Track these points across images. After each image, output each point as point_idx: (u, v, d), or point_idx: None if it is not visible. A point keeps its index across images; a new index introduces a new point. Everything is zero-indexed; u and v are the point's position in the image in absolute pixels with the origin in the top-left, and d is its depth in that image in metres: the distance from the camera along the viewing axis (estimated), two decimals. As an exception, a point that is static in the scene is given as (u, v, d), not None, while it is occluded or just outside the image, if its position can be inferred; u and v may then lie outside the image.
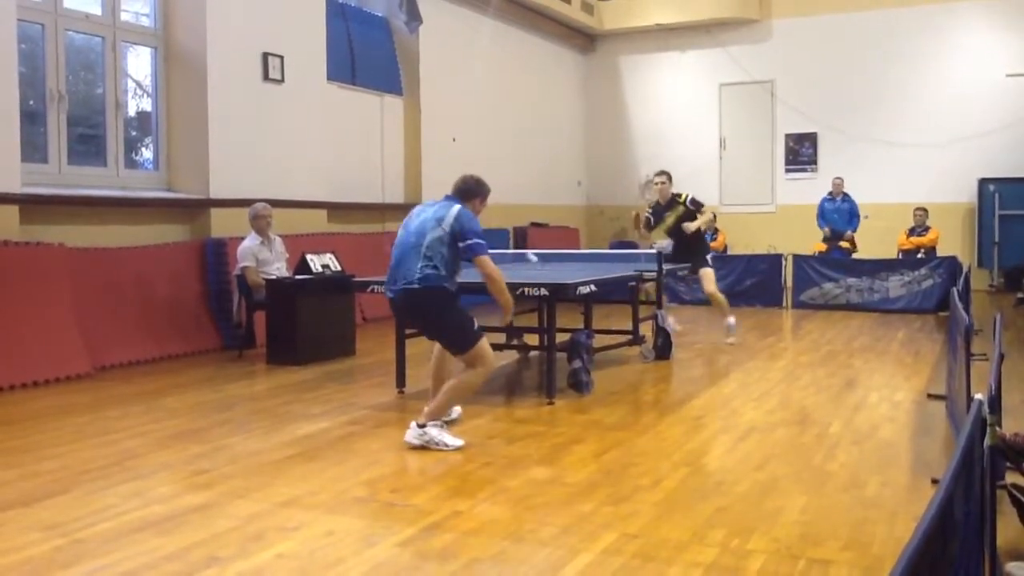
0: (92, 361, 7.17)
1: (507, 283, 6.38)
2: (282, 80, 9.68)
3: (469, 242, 5.02)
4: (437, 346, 5.41)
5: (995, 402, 3.44)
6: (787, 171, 15.67)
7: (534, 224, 14.55)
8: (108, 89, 8.45)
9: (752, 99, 15.82)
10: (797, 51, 15.37)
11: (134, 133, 9.15)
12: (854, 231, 13.04)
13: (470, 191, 5.33)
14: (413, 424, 4.91)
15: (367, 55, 11.86)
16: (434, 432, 4.85)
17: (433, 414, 4.92)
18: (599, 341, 7.26)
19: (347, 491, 4.11)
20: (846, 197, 13.17)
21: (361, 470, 4.48)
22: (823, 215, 13.26)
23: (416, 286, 4.94)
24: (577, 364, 6.32)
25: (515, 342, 7.57)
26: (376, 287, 6.48)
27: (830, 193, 13.33)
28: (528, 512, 3.80)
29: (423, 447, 4.82)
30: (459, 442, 4.87)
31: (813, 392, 6.45)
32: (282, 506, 3.88)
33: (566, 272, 7.16)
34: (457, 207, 5.15)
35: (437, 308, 5.00)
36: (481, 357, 4.99)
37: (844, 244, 12.95)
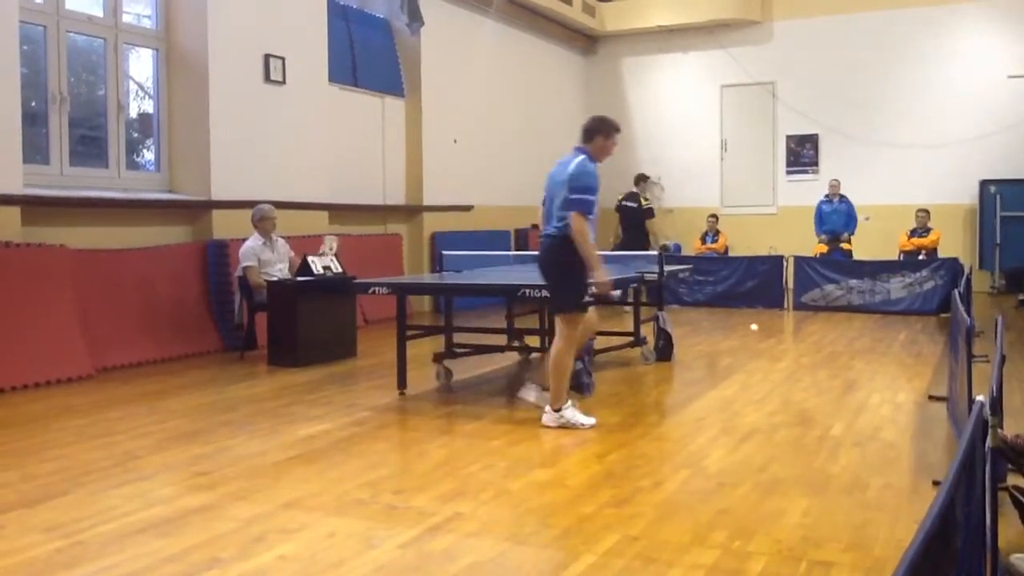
0: (93, 362, 7.18)
1: (506, 285, 6.44)
2: (283, 81, 9.69)
3: (571, 197, 5.12)
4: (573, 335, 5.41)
5: (996, 404, 3.44)
6: (788, 173, 15.67)
7: (535, 226, 14.52)
8: (110, 91, 8.46)
9: (753, 100, 15.82)
10: (798, 52, 15.37)
11: (135, 134, 9.15)
12: (852, 233, 13.01)
13: (590, 130, 5.37)
14: (548, 408, 5.30)
15: (368, 57, 11.87)
16: (569, 414, 5.25)
17: (555, 398, 5.27)
18: (600, 343, 7.26)
19: (348, 493, 4.11)
20: (843, 199, 13.15)
21: (363, 472, 4.48)
22: (821, 218, 13.22)
23: (546, 238, 5.30)
24: (578, 366, 6.30)
25: (516, 344, 7.58)
26: (377, 289, 6.47)
27: (827, 195, 13.30)
28: (529, 514, 3.80)
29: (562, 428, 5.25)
30: (591, 420, 5.29)
31: (814, 394, 6.45)
32: (283, 508, 3.89)
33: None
34: (577, 160, 5.22)
35: (555, 259, 5.24)
36: (565, 327, 5.27)
37: (845, 246, 12.94)
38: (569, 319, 5.28)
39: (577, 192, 5.09)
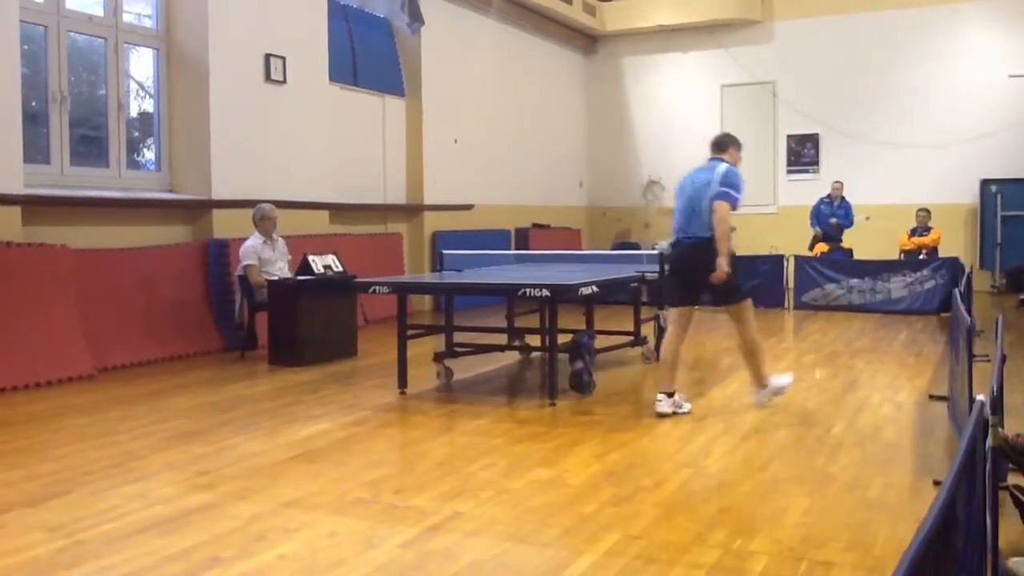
0: (95, 362, 7.18)
1: (507, 284, 6.45)
2: (284, 81, 9.69)
3: (720, 189, 5.58)
4: (672, 336, 5.78)
5: (997, 403, 3.44)
6: (789, 172, 15.66)
7: (536, 225, 14.56)
8: (110, 90, 8.46)
9: (754, 100, 15.81)
10: (799, 52, 15.37)
11: (136, 134, 9.16)
12: (848, 227, 12.96)
13: (724, 143, 5.96)
14: (758, 390, 5.85)
15: (369, 56, 11.87)
16: (773, 384, 5.85)
17: (759, 379, 5.83)
18: (601, 342, 7.26)
19: (349, 492, 4.11)
20: (843, 201, 13.10)
21: (363, 471, 4.48)
22: (818, 216, 13.19)
23: (698, 240, 5.58)
24: (579, 365, 6.32)
25: (517, 343, 7.58)
26: (378, 288, 6.47)
27: (828, 196, 13.24)
28: (530, 513, 3.80)
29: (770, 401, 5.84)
30: (790, 379, 6.00)
31: (815, 393, 6.44)
32: (284, 507, 3.89)
33: (568, 273, 7.16)
34: (723, 166, 5.74)
35: (706, 263, 5.54)
36: (744, 313, 5.76)
37: (844, 245, 12.93)
38: (745, 306, 5.78)
39: (726, 186, 5.61)
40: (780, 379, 5.96)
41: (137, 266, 8.00)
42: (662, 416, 5.60)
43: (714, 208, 5.53)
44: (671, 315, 5.88)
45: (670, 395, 5.68)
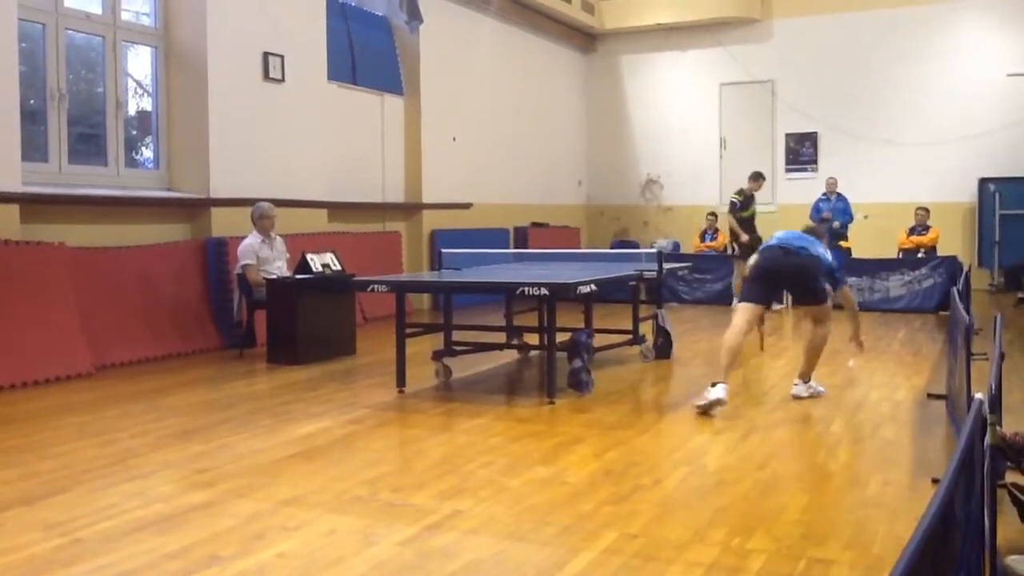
0: (93, 360, 7.17)
1: (506, 282, 6.48)
2: (282, 80, 9.68)
3: (843, 279, 6.39)
4: (738, 327, 5.98)
5: (995, 401, 3.44)
6: (788, 171, 15.67)
7: (535, 224, 14.56)
8: (108, 88, 8.45)
9: (753, 99, 15.82)
10: (798, 51, 15.37)
11: (134, 132, 9.15)
12: (846, 224, 13.00)
13: (819, 232, 6.69)
14: (798, 380, 6.16)
15: (367, 55, 11.86)
16: (814, 384, 6.21)
17: (806, 374, 6.18)
18: (599, 341, 7.26)
19: (348, 490, 4.11)
20: (840, 197, 13.16)
21: (362, 469, 4.48)
22: (818, 212, 13.23)
23: (803, 254, 6.07)
24: (577, 363, 6.31)
25: (515, 342, 7.58)
26: (376, 286, 6.47)
27: (824, 194, 13.31)
28: (529, 511, 3.80)
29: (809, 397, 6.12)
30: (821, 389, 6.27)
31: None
32: (283, 505, 3.89)
33: (567, 272, 7.16)
34: (824, 248, 6.33)
35: (817, 275, 6.13)
36: (830, 312, 6.21)
37: (844, 243, 12.94)
38: (828, 308, 6.21)
39: (839, 271, 6.33)
40: (820, 386, 6.27)
41: (135, 264, 8.00)
42: (719, 404, 5.62)
43: (845, 294, 6.39)
44: (744, 310, 6.06)
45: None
